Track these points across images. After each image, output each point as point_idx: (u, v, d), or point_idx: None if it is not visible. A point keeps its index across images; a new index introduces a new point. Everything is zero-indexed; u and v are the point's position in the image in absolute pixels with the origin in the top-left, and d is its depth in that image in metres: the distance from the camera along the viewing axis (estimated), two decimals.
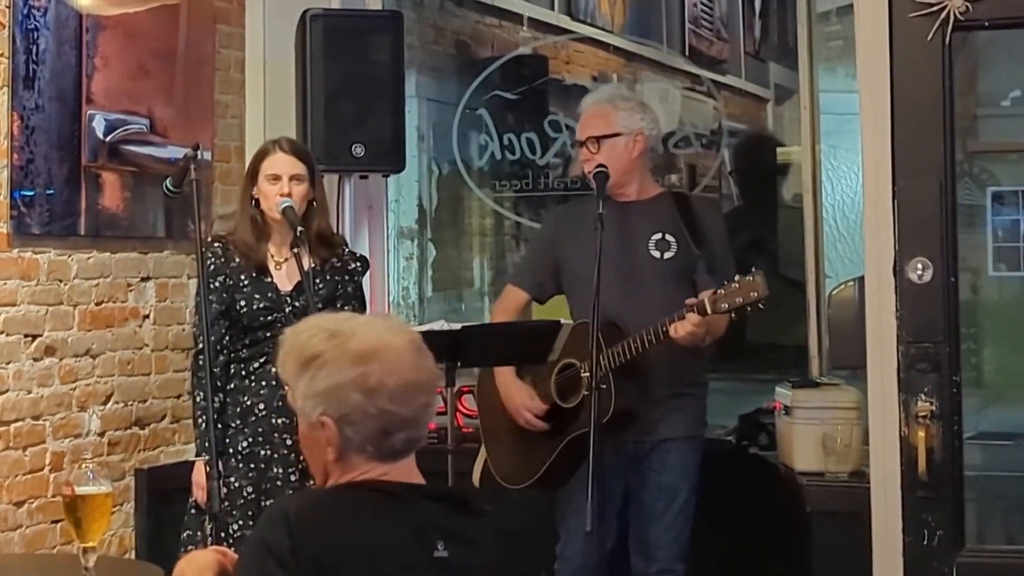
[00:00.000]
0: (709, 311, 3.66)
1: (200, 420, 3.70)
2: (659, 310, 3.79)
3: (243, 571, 2.11)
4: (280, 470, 3.72)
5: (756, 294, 3.61)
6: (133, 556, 4.32)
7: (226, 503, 3.61)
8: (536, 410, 3.95)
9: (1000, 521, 4.41)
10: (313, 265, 3.76)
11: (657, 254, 3.96)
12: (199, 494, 3.70)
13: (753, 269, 3.66)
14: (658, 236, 3.96)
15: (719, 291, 3.66)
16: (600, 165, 3.92)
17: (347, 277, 3.86)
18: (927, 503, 3.63)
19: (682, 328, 3.68)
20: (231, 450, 3.72)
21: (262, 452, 3.73)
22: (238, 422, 3.74)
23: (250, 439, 3.73)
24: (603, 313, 3.67)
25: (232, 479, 3.69)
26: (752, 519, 4.47)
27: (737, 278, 3.66)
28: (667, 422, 3.92)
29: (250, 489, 3.70)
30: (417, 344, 2.20)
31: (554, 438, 3.93)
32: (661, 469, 3.93)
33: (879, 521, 3.70)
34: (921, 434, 3.61)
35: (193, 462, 3.79)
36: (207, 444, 3.60)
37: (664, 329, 3.71)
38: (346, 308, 3.80)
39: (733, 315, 3.72)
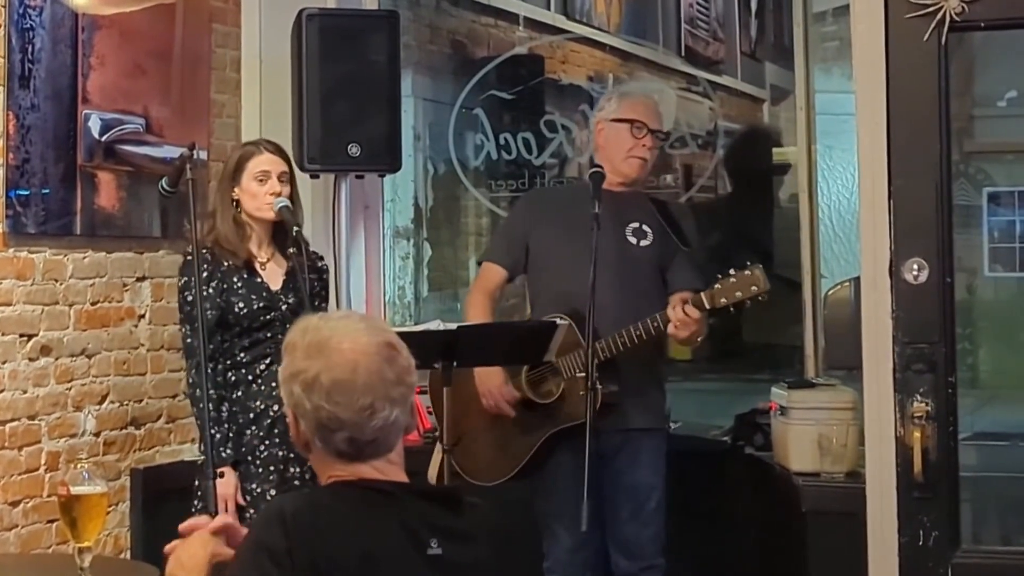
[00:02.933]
0: (708, 306, 3.66)
1: (215, 432, 3.65)
2: (632, 297, 3.80)
3: (240, 571, 2.11)
4: (297, 469, 3.72)
5: (756, 288, 3.62)
6: (128, 556, 4.32)
7: (252, 510, 3.63)
8: (508, 396, 3.93)
9: (996, 521, 4.42)
10: (290, 264, 3.79)
11: (634, 240, 3.97)
12: (229, 507, 3.65)
13: (749, 263, 3.65)
14: (635, 224, 3.98)
15: (716, 285, 3.66)
16: (597, 165, 3.94)
17: (316, 275, 3.90)
18: (923, 503, 3.63)
19: (684, 328, 3.68)
20: (249, 457, 3.72)
21: (280, 453, 3.72)
22: (253, 428, 3.73)
23: (267, 442, 3.73)
24: (576, 302, 3.72)
25: (254, 485, 3.70)
26: (748, 519, 4.47)
27: (733, 272, 3.65)
28: (632, 413, 3.91)
29: (273, 492, 3.69)
30: (378, 348, 2.16)
31: (529, 435, 3.93)
32: (633, 467, 3.93)
33: (875, 521, 3.70)
34: (917, 434, 3.61)
35: (191, 461, 3.79)
36: (223, 455, 3.64)
37: (656, 325, 3.71)
38: (323, 306, 3.89)
39: (732, 310, 3.71)
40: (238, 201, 3.81)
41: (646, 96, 4.18)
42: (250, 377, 3.76)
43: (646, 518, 3.93)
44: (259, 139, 3.96)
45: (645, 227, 3.99)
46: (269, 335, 3.74)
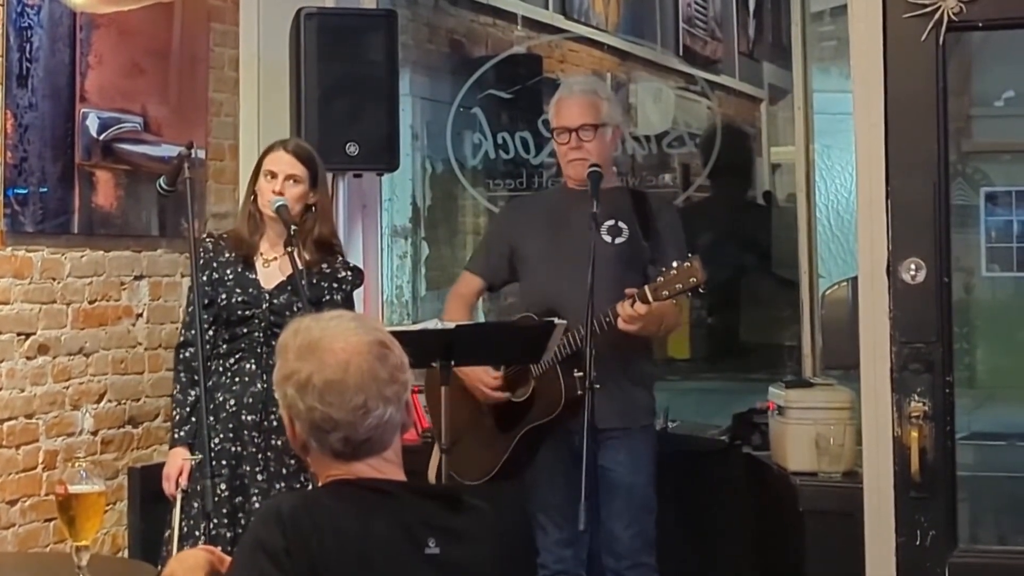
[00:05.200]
0: (651, 300, 3.69)
1: (175, 413, 3.78)
2: (608, 295, 3.79)
3: (237, 571, 2.11)
4: (248, 468, 3.72)
5: (695, 279, 3.65)
6: (126, 555, 4.32)
7: (197, 500, 3.63)
8: (493, 384, 3.97)
9: (993, 521, 4.43)
10: (301, 267, 3.76)
11: (608, 239, 3.95)
12: (168, 487, 3.72)
13: (689, 255, 3.69)
14: (611, 223, 3.97)
15: (659, 279, 3.70)
16: (595, 164, 3.92)
17: (335, 285, 3.84)
18: (920, 503, 3.63)
19: (632, 323, 3.71)
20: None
21: (233, 449, 3.73)
22: (211, 419, 3.72)
23: (221, 435, 3.73)
24: (551, 301, 3.77)
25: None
26: (745, 519, 4.48)
27: (675, 264, 3.69)
28: (606, 413, 3.88)
29: (224, 487, 3.69)
30: (370, 347, 2.17)
31: (507, 432, 3.96)
32: (613, 466, 3.91)
33: (872, 521, 3.70)
34: (914, 434, 3.61)
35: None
36: (176, 436, 3.74)
37: (608, 320, 3.74)
38: None
39: (675, 301, 3.76)
40: (256, 196, 3.83)
41: (568, 92, 4.10)
42: (221, 368, 3.78)
43: (628, 517, 3.91)
44: (289, 138, 3.97)
45: (621, 224, 3.99)
46: (245, 331, 3.76)
